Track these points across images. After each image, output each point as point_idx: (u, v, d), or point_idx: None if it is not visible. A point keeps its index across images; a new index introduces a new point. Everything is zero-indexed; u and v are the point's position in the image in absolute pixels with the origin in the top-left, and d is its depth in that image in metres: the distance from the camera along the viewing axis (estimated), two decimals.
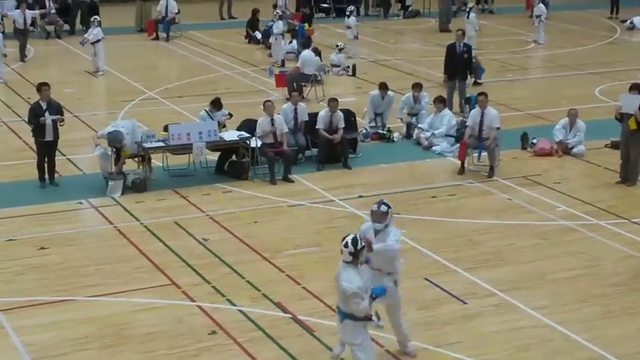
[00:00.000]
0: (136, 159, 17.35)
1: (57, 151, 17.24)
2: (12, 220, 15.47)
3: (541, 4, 32.55)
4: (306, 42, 27.21)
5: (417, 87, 20.91)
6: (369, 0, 38.98)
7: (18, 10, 28.84)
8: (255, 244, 14.52)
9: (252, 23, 32.47)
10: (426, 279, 13.33)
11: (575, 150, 19.37)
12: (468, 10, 31.15)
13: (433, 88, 23.30)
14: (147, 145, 17.10)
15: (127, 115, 21.00)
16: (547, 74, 28.49)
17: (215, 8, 36.99)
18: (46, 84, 17.00)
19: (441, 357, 11.16)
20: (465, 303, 12.61)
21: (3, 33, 26.27)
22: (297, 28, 31.10)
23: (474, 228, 15.39)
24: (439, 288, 13.04)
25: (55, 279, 13.22)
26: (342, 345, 9.98)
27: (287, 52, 28.73)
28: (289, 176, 17.65)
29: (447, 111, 20.25)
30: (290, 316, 12.16)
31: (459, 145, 18.67)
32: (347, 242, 9.62)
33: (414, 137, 20.26)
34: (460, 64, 22.73)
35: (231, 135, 18.00)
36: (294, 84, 23.53)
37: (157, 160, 17.86)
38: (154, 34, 32.60)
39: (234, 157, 18.05)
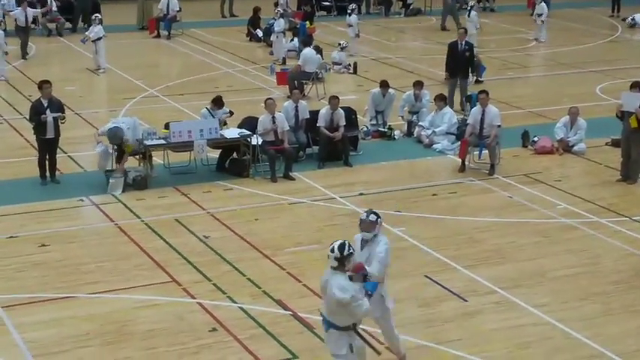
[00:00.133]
0: (137, 156, 17.37)
1: (58, 149, 17.26)
2: (13, 217, 15.49)
3: (542, 3, 32.53)
4: (307, 40, 27.20)
5: (418, 85, 20.92)
6: None
7: (19, 8, 28.84)
8: (255, 242, 14.53)
9: (254, 21, 32.47)
10: (426, 276, 13.34)
11: (576, 148, 19.37)
12: (469, 8, 31.14)
13: (434, 86, 23.32)
14: (148, 142, 17.12)
15: (128, 112, 21.00)
16: (548, 72, 28.48)
17: (216, 6, 36.99)
18: (47, 82, 17.02)
19: (441, 354, 11.17)
20: (466, 300, 12.62)
21: (5, 31, 26.26)
22: (298, 26, 31.11)
23: (474, 226, 15.40)
24: (440, 285, 13.05)
25: (55, 276, 13.24)
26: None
27: (288, 50, 28.74)
28: (290, 174, 17.66)
29: (447, 109, 20.26)
30: (291, 313, 12.17)
31: (459, 142, 18.68)
32: (333, 247, 9.36)
33: (415, 135, 20.27)
34: (462, 62, 22.73)
35: (232, 132, 18.01)
36: (296, 82, 23.53)
37: (158, 158, 17.88)
38: (156, 31, 32.60)
39: (235, 155, 18.06)
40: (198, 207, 16.08)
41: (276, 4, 33.00)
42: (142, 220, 15.41)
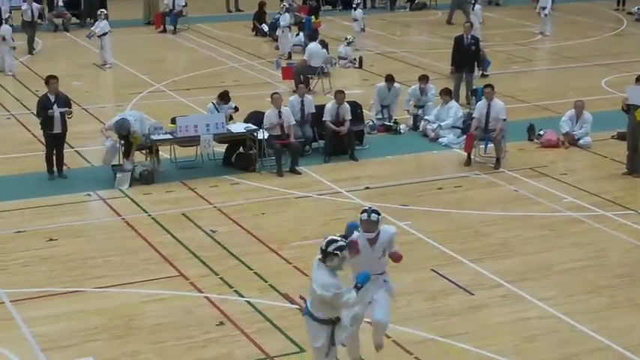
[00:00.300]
0: (144, 151, 17.42)
1: (65, 144, 17.32)
2: (21, 212, 15.56)
3: None
4: (312, 34, 27.26)
5: (424, 79, 20.93)
6: None
7: (25, 3, 28.89)
8: (262, 236, 14.58)
9: (259, 16, 32.49)
10: (432, 270, 13.38)
11: (581, 141, 19.39)
12: (473, 1, 31.10)
13: (439, 80, 23.31)
14: (154, 137, 17.17)
15: (134, 107, 21.03)
16: (553, 66, 28.46)
17: (222, 1, 37.05)
18: (54, 77, 17.08)
19: (447, 348, 11.21)
20: (472, 294, 12.66)
21: (12, 26, 26.33)
22: (303, 20, 31.11)
23: (480, 219, 15.43)
24: (446, 279, 13.09)
25: (63, 270, 13.30)
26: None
27: (294, 45, 28.74)
28: (296, 168, 17.71)
29: (453, 103, 20.28)
30: (297, 307, 12.20)
31: (465, 136, 18.70)
32: (325, 237, 9.31)
33: (421, 129, 20.29)
34: (467, 56, 22.74)
35: (238, 127, 18.06)
36: (301, 76, 23.55)
37: (164, 152, 17.93)
38: (162, 26, 32.65)
39: (241, 149, 18.11)
40: (205, 201, 16.13)
41: None
42: (149, 215, 15.47)
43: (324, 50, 25.16)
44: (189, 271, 13.29)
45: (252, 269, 13.38)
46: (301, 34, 29.48)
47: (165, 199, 16.22)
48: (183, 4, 32.58)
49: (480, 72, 24.78)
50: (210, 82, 24.25)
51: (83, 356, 10.87)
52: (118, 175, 16.77)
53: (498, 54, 28.42)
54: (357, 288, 9.36)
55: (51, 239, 14.38)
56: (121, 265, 13.53)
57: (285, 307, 12.21)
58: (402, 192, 16.72)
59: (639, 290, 12.88)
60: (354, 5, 30.54)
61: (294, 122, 18.07)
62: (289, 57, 27.86)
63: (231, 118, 18.64)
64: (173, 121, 17.86)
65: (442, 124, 19.80)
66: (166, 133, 17.43)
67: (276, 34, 29.65)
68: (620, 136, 19.14)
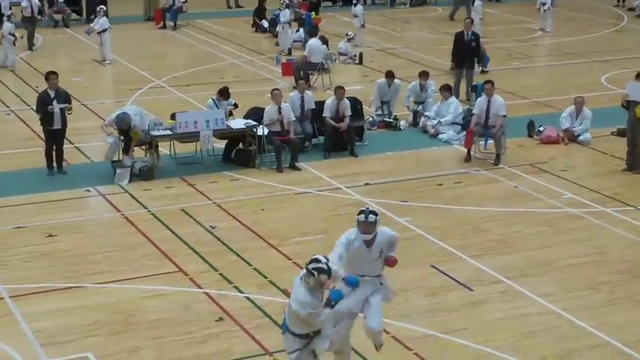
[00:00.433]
0: (144, 147, 17.42)
1: (65, 140, 17.31)
2: (20, 207, 15.55)
3: None
4: (312, 30, 27.24)
5: (424, 75, 20.93)
6: None
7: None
8: (262, 232, 14.58)
9: (259, 12, 32.47)
10: (432, 266, 13.37)
11: (581, 138, 19.38)
12: None
13: (439, 76, 23.32)
14: (154, 133, 17.16)
15: (134, 103, 21.02)
16: (553, 62, 28.45)
17: None
18: (54, 72, 17.08)
19: (447, 344, 11.20)
20: (472, 290, 12.66)
21: (13, 23, 26.28)
22: (304, 16, 31.10)
23: (480, 215, 15.42)
24: (445, 275, 13.08)
25: (63, 266, 13.30)
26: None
27: (294, 41, 28.74)
28: (296, 164, 17.70)
29: (453, 99, 20.27)
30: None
31: (465, 132, 18.70)
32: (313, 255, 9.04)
33: (421, 125, 20.29)
34: (468, 53, 22.72)
35: (238, 123, 18.04)
36: (301, 72, 23.55)
37: (164, 148, 17.92)
38: (162, 22, 32.64)
39: (241, 145, 18.10)
40: (204, 197, 16.12)
41: None
42: (149, 211, 15.46)
43: (324, 46, 25.16)
44: (188, 266, 13.29)
45: (251, 265, 13.37)
46: (301, 30, 29.48)
47: (164, 195, 16.21)
48: (183, 0, 32.57)
49: (480, 68, 24.76)
50: (210, 78, 24.24)
51: (82, 352, 10.87)
52: (117, 171, 16.77)
53: (499, 50, 28.41)
54: (331, 306, 9.10)
55: (50, 235, 14.38)
56: (121, 260, 13.52)
57: (284, 303, 12.09)
58: (401, 188, 16.72)
59: (639, 286, 12.88)
60: (354, 1, 30.55)
61: (294, 118, 18.06)
62: (289, 53, 27.85)
63: (230, 114, 18.64)
64: (173, 117, 17.85)
65: (442, 120, 19.79)
66: (166, 129, 17.41)
67: (276, 30, 29.65)
68: (620, 133, 19.13)
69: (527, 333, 11.48)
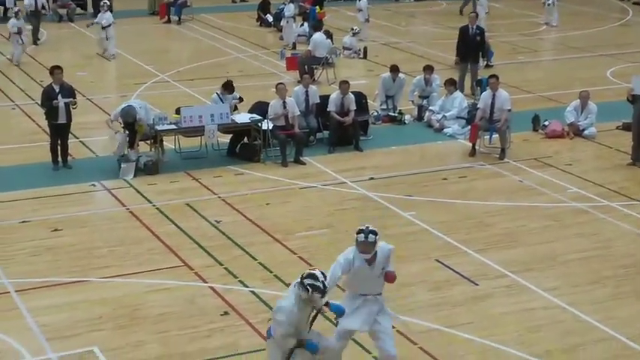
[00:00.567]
0: (148, 141, 17.43)
1: (70, 134, 17.33)
2: (25, 202, 15.57)
3: None
4: (317, 25, 27.19)
5: (429, 69, 20.92)
6: None
7: None
8: (267, 226, 14.58)
9: (264, 6, 32.47)
10: (437, 260, 13.37)
11: (586, 132, 19.36)
12: None
13: (444, 71, 23.31)
14: (159, 127, 17.18)
15: (139, 97, 21.03)
16: (558, 56, 28.42)
17: None
18: (58, 67, 17.09)
19: (451, 338, 11.20)
20: (476, 284, 12.65)
21: (19, 20, 26.30)
22: (308, 10, 31.08)
23: (485, 210, 15.42)
24: (450, 269, 13.08)
25: (68, 260, 13.31)
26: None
27: (298, 35, 28.75)
28: (301, 158, 17.70)
29: (458, 93, 20.26)
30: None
31: (470, 127, 18.68)
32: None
33: (425, 119, 20.28)
34: (472, 47, 22.71)
35: (242, 117, 18.05)
36: (306, 67, 23.56)
37: (168, 143, 17.94)
38: (166, 17, 32.65)
39: (245, 140, 18.10)
40: (209, 192, 16.13)
41: None
42: (154, 205, 15.47)
43: (329, 40, 25.14)
44: (193, 261, 13.30)
45: (256, 259, 13.38)
46: (306, 24, 29.46)
47: (169, 190, 16.23)
48: None
49: (485, 62, 24.74)
50: (214, 73, 24.25)
51: (87, 346, 10.88)
52: (122, 166, 16.78)
53: (504, 44, 28.38)
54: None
55: (56, 229, 14.40)
56: (126, 255, 13.54)
57: None
58: (406, 182, 16.72)
59: None
60: None
61: (299, 113, 18.07)
62: (294, 47, 27.85)
63: (235, 108, 18.64)
64: (177, 111, 17.85)
65: (447, 114, 19.78)
66: (171, 123, 17.43)
67: (281, 24, 29.62)
68: (626, 127, 19.10)
69: (532, 327, 11.48)
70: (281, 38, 29.21)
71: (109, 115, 18.13)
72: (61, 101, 16.75)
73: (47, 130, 17.48)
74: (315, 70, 24.03)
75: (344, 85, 18.74)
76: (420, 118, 20.54)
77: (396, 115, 20.45)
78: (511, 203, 15.71)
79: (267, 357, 9.37)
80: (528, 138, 19.33)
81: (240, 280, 12.69)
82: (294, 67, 24.19)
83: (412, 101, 20.99)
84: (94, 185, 16.41)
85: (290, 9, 28.63)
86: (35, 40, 28.39)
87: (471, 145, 18.26)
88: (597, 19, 33.89)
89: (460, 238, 14.15)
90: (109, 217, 15.05)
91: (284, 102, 17.79)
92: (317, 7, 31.38)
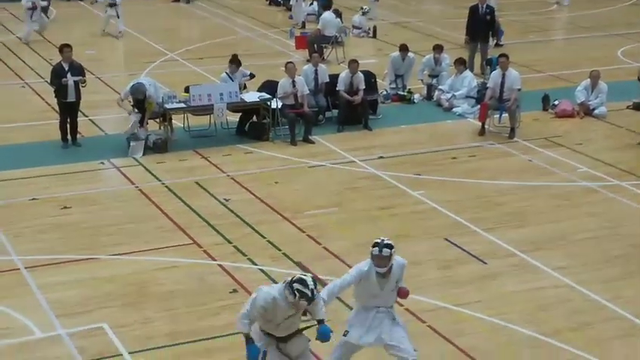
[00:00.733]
0: (157, 120, 17.43)
1: (79, 112, 17.33)
2: (35, 179, 15.59)
3: None
4: (326, 3, 27.12)
5: (438, 48, 20.85)
6: None
7: None
8: (275, 205, 14.58)
9: None
10: (446, 239, 13.36)
11: (596, 111, 19.29)
12: None
13: (454, 50, 23.22)
14: (168, 105, 17.16)
15: (148, 76, 21.00)
16: (569, 36, 28.30)
17: None
18: (68, 45, 17.08)
19: (460, 316, 11.20)
20: (485, 263, 12.64)
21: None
22: None
23: (494, 189, 15.39)
24: (459, 248, 13.07)
25: (77, 238, 13.34)
26: None
27: (308, 14, 28.66)
28: (310, 137, 17.68)
29: (467, 72, 20.19)
30: (311, 275, 12.19)
31: (479, 106, 18.62)
32: (312, 281, 8.36)
33: (435, 99, 20.24)
34: (482, 26, 22.63)
35: (251, 96, 18.02)
36: (315, 46, 23.49)
37: (177, 121, 17.93)
38: None
39: (254, 118, 18.08)
40: (218, 170, 16.13)
41: None
42: (163, 183, 15.49)
43: (338, 19, 25.08)
44: (202, 239, 13.32)
45: (265, 237, 13.39)
46: (315, 3, 29.35)
47: (178, 168, 16.23)
48: None
49: (495, 42, 24.63)
50: (223, 52, 24.11)
51: (97, 322, 10.91)
52: (131, 144, 16.78)
53: (514, 23, 28.25)
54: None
55: (65, 207, 14.42)
56: (135, 232, 13.56)
57: None
58: (415, 161, 16.69)
59: None
60: None
61: (308, 91, 18.04)
62: (303, 26, 27.77)
63: (244, 87, 18.61)
64: (187, 89, 17.82)
65: (456, 93, 19.73)
66: (180, 101, 17.41)
67: (290, 3, 29.53)
68: (636, 106, 19.05)
69: (540, 306, 11.47)
70: (290, 17, 29.13)
71: (119, 93, 18.15)
72: (70, 79, 16.75)
73: (56, 108, 17.47)
74: (325, 49, 23.97)
75: (353, 64, 18.69)
76: (429, 97, 20.49)
77: (406, 94, 20.41)
78: (520, 182, 15.68)
79: None
80: (538, 117, 19.27)
81: (249, 258, 12.71)
82: (304, 46, 24.14)
83: (421, 80, 20.93)
84: (103, 163, 16.42)
85: None
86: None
87: (480, 124, 18.21)
88: None
89: (469, 217, 14.13)
90: (118, 195, 15.08)
91: (293, 81, 17.76)
92: None
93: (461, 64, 20.17)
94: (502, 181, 15.74)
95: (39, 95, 20.31)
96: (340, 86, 18.51)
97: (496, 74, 18.32)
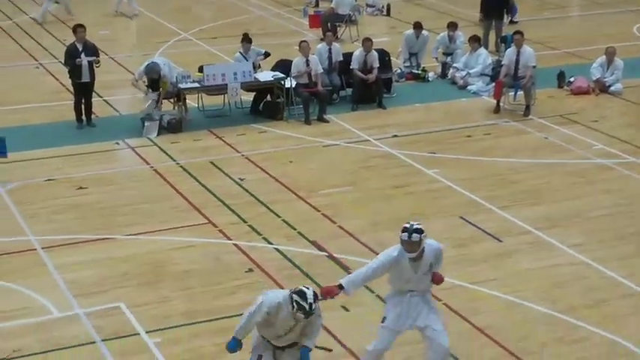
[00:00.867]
0: (172, 99, 17.43)
1: (93, 93, 17.35)
2: (50, 160, 15.65)
3: None
4: None
5: (452, 26, 20.75)
6: None
7: None
8: (290, 184, 14.60)
9: None
10: (461, 217, 13.35)
11: (612, 88, 19.19)
12: None
13: (468, 27, 23.11)
14: (182, 85, 17.16)
15: (161, 55, 20.98)
16: (584, 12, 28.09)
17: None
18: (81, 25, 17.09)
19: (476, 294, 11.21)
20: (501, 241, 12.63)
21: None
22: None
23: (509, 167, 15.35)
24: (474, 226, 13.06)
25: (93, 218, 13.39)
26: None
27: None
28: (324, 116, 17.66)
29: (482, 50, 20.10)
30: (326, 254, 12.26)
31: (494, 84, 18.55)
32: (314, 295, 8.12)
33: (449, 77, 20.16)
34: (497, 3, 22.51)
35: (265, 75, 18.00)
36: (329, 24, 23.41)
37: (192, 101, 17.94)
38: None
39: (269, 98, 18.07)
40: (232, 149, 16.15)
41: None
42: (177, 163, 15.51)
43: None
44: (217, 218, 13.35)
45: (280, 217, 13.41)
46: None
47: (193, 148, 16.25)
48: None
49: (509, 19, 24.50)
50: (237, 31, 23.99)
51: (114, 302, 10.98)
52: (146, 124, 16.80)
53: (528, 0, 28.05)
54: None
55: (81, 187, 14.48)
56: (150, 212, 13.60)
57: (313, 255, 12.25)
58: (430, 140, 16.66)
59: None
60: None
61: (322, 70, 18.00)
62: (317, 5, 27.65)
63: (259, 66, 18.58)
64: (200, 69, 17.83)
65: (471, 71, 19.65)
66: (194, 81, 17.41)
67: None
68: None
69: (556, 283, 11.46)
70: None
71: (133, 73, 18.16)
72: (84, 59, 16.76)
73: (71, 88, 17.51)
74: (338, 28, 23.89)
75: (367, 42, 18.63)
76: (443, 75, 20.42)
77: (420, 72, 20.34)
78: (536, 160, 15.64)
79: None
80: (553, 94, 19.18)
81: (264, 237, 12.74)
82: (317, 24, 24.07)
83: (436, 58, 20.85)
84: (117, 144, 16.46)
85: None
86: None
87: (495, 102, 18.14)
88: None
89: (484, 195, 14.11)
90: (133, 175, 15.12)
91: (307, 60, 17.73)
92: None
93: (475, 41, 20.07)
94: (517, 158, 15.70)
95: (53, 76, 20.35)
96: (354, 65, 18.46)
97: (511, 51, 18.24)
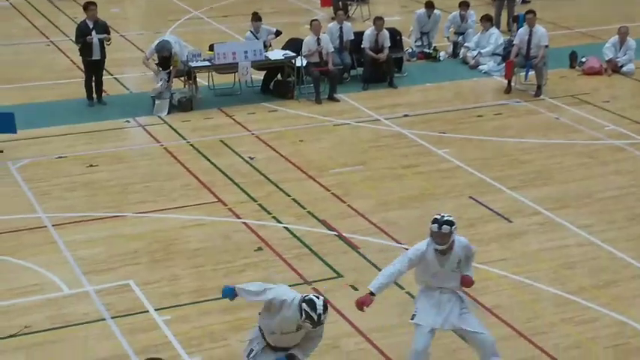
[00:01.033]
0: (182, 78, 17.42)
1: (104, 70, 17.35)
2: (61, 137, 15.68)
3: None
4: None
5: (464, 5, 20.68)
6: None
7: None
8: (300, 163, 14.59)
9: None
10: (471, 197, 13.33)
11: (625, 68, 19.10)
12: None
13: (480, 7, 23.01)
14: (193, 64, 17.15)
15: (172, 34, 20.96)
16: None
17: None
18: (92, 3, 17.05)
19: (486, 274, 11.20)
20: (510, 221, 12.62)
21: None
22: None
23: (520, 147, 15.31)
24: (484, 206, 13.04)
25: (104, 195, 13.42)
26: None
27: None
28: (335, 95, 17.63)
29: (494, 29, 20.02)
30: (335, 233, 12.26)
31: (505, 64, 18.47)
32: (324, 305, 7.70)
33: (461, 56, 20.10)
34: None
35: (276, 54, 17.97)
36: (340, 3, 23.34)
37: (202, 80, 17.93)
38: None
39: (279, 77, 18.04)
40: (242, 128, 16.14)
41: None
42: (188, 142, 15.52)
43: None
44: (227, 197, 13.36)
45: (289, 196, 13.41)
46: None
47: (203, 126, 16.26)
48: None
49: None
50: (248, 10, 23.88)
51: (124, 279, 11.02)
52: (156, 102, 16.81)
53: None
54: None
55: (91, 165, 14.51)
56: (161, 190, 13.62)
57: (323, 234, 12.26)
58: (441, 119, 16.62)
59: None
60: None
61: (333, 49, 17.95)
62: None
63: (270, 45, 18.54)
64: (211, 48, 17.79)
65: (482, 51, 19.58)
66: (204, 60, 17.39)
67: None
68: None
69: (566, 264, 11.45)
70: None
71: (143, 52, 18.15)
72: (95, 37, 16.76)
73: (81, 66, 17.51)
74: (350, 7, 23.83)
75: (378, 21, 18.57)
76: (455, 54, 20.36)
77: (431, 51, 20.28)
78: (547, 140, 15.59)
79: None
80: (565, 75, 19.11)
81: (273, 216, 12.75)
82: (329, 3, 23.99)
83: (447, 38, 20.79)
84: (128, 122, 16.48)
85: None
86: None
87: (506, 81, 18.08)
88: None
89: (494, 176, 14.08)
90: (143, 154, 15.14)
91: (318, 38, 17.68)
92: None
93: (487, 21, 19.99)
94: (528, 139, 15.66)
95: (64, 53, 20.36)
96: (365, 44, 18.41)
97: (523, 31, 18.15)
